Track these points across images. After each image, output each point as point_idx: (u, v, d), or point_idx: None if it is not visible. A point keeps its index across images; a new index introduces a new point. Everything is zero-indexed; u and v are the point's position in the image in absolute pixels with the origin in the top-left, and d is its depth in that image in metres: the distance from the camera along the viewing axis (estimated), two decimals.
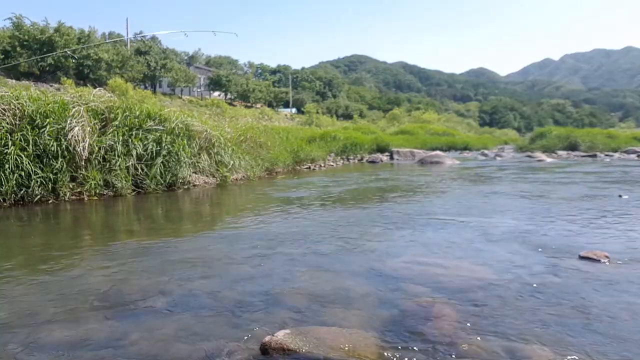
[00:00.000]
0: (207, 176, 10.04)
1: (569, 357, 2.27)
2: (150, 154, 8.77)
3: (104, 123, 8.85)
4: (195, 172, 9.81)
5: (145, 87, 43.88)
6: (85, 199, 7.79)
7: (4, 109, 7.70)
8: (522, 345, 2.40)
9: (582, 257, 4.00)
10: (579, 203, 7.31)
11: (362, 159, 20.91)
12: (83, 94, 9.47)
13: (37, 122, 7.76)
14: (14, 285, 3.48)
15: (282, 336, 2.40)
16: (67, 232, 5.70)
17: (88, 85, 27.11)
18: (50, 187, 7.43)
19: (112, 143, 8.39)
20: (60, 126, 7.85)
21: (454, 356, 2.30)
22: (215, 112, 34.81)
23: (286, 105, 66.72)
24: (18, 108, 7.85)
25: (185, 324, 2.73)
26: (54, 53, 29.47)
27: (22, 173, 7.16)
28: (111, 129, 8.63)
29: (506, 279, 3.50)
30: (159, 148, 8.95)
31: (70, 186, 7.75)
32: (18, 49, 35.88)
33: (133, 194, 8.39)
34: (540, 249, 4.37)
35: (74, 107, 8.31)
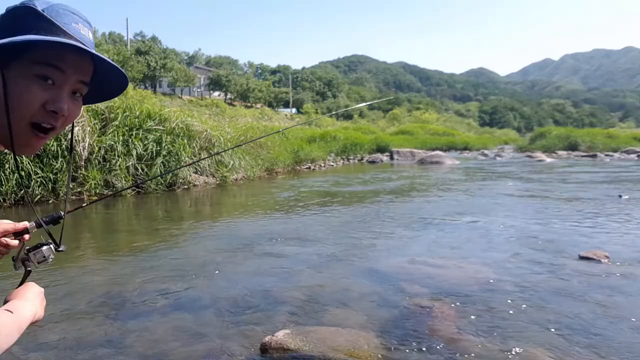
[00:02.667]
0: (207, 176, 10.04)
1: (568, 357, 2.28)
2: (150, 153, 8.78)
3: (104, 123, 8.85)
4: (196, 172, 9.81)
5: (145, 87, 43.84)
6: (86, 198, 7.79)
7: None
8: (521, 345, 2.40)
9: (582, 257, 4.01)
10: (578, 203, 7.31)
11: (362, 159, 20.92)
12: None
13: None
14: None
15: (282, 336, 2.40)
16: (67, 232, 5.70)
17: None
18: (50, 187, 7.43)
19: (112, 143, 8.40)
20: None
21: (453, 356, 2.30)
22: (215, 112, 34.80)
23: (286, 105, 66.71)
24: None
25: (185, 324, 2.73)
26: None
27: (22, 173, 7.16)
28: (111, 129, 8.63)
29: (506, 279, 3.50)
30: (159, 148, 8.95)
31: (71, 186, 7.75)
32: None
33: (133, 194, 8.39)
34: (540, 249, 4.37)
35: None
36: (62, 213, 0.95)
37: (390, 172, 15.13)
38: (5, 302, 0.79)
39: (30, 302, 0.80)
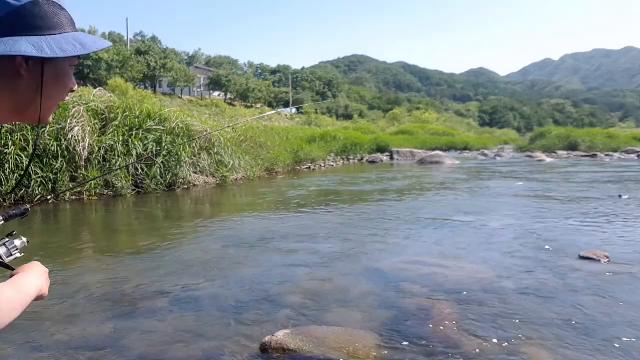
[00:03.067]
0: (207, 176, 10.04)
1: (568, 357, 2.28)
2: (150, 154, 8.77)
3: (104, 123, 8.85)
4: (195, 172, 9.81)
5: (145, 87, 43.82)
6: (85, 198, 7.79)
7: None
8: (521, 345, 2.40)
9: (582, 257, 4.01)
10: (579, 203, 7.31)
11: (362, 159, 20.91)
12: (83, 94, 9.47)
13: None
14: None
15: (282, 336, 2.40)
16: (67, 232, 5.70)
17: (88, 85, 27.12)
18: (50, 187, 7.43)
19: (112, 143, 8.40)
20: (61, 126, 7.85)
21: (453, 356, 2.30)
22: (215, 112, 34.81)
23: (286, 105, 66.69)
24: None
25: (185, 324, 2.73)
26: None
27: (22, 173, 7.16)
28: (111, 129, 8.63)
29: (506, 279, 3.50)
30: (159, 148, 8.95)
31: (70, 186, 7.75)
32: None
33: (133, 194, 8.39)
34: (540, 249, 4.37)
35: (74, 107, 8.31)
36: (28, 206, 0.95)
37: (391, 172, 15.13)
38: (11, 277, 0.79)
39: (36, 276, 0.80)
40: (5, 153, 7.12)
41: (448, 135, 37.10)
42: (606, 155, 22.72)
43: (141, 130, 8.98)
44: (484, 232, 5.22)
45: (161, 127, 9.33)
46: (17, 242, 0.87)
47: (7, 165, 7.04)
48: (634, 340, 2.45)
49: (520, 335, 2.51)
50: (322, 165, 16.69)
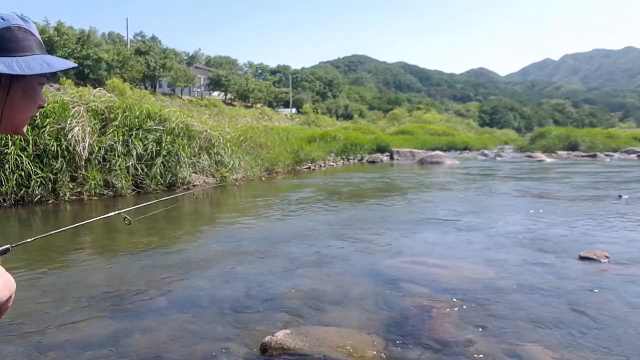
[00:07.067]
0: (207, 176, 10.04)
1: (568, 357, 2.27)
2: (150, 154, 8.77)
3: (104, 123, 8.84)
4: (195, 172, 9.81)
5: (145, 87, 43.77)
6: (85, 199, 7.79)
7: None
8: (521, 345, 2.40)
9: (582, 257, 4.01)
10: (579, 203, 7.31)
11: (362, 159, 20.90)
12: (83, 94, 9.47)
13: (37, 122, 7.76)
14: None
15: (282, 336, 2.40)
16: (67, 232, 5.70)
17: (88, 85, 27.09)
18: (50, 187, 7.43)
19: (112, 143, 8.39)
20: (61, 126, 7.85)
21: (453, 356, 2.30)
22: (215, 112, 34.83)
23: (286, 105, 66.64)
24: None
25: (185, 324, 2.73)
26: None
27: (22, 173, 7.16)
28: (111, 129, 8.63)
29: (506, 279, 3.50)
30: (159, 148, 8.95)
31: (70, 186, 7.75)
32: None
33: (133, 194, 8.39)
34: (540, 249, 4.37)
35: (74, 107, 8.31)
36: (9, 246, 0.96)
37: (391, 172, 15.13)
38: None
39: None
40: (6, 153, 7.12)
41: (448, 135, 37.09)
42: (606, 155, 22.73)
43: (141, 131, 8.97)
44: (483, 232, 5.22)
45: (161, 127, 9.33)
46: None
47: (7, 166, 7.04)
48: (634, 340, 2.45)
49: (520, 335, 2.51)
50: (322, 165, 16.68)
